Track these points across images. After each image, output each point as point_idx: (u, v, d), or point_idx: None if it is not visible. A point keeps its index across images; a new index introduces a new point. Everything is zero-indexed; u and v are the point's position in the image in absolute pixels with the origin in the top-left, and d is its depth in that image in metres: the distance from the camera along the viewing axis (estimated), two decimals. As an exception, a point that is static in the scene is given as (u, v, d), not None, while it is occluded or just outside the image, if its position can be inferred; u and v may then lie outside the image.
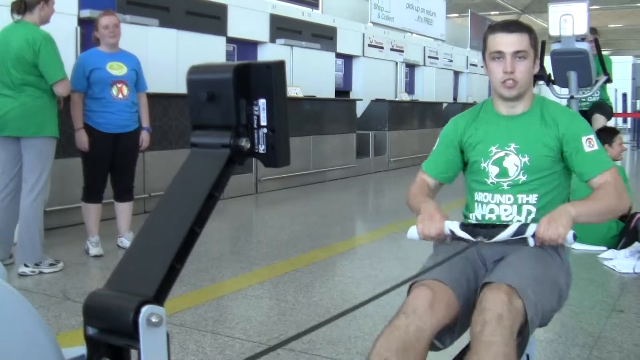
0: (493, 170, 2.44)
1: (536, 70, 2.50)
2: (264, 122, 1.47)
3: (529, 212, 2.38)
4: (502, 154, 2.44)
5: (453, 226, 2.20)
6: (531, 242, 2.12)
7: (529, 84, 2.48)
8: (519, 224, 2.16)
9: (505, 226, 2.15)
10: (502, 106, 2.52)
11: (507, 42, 2.40)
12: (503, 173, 2.42)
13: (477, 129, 2.53)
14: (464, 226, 2.21)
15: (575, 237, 2.09)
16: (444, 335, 2.17)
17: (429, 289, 2.11)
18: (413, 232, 2.26)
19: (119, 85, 5.17)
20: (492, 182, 2.44)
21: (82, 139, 5.08)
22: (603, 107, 7.28)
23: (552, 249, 2.34)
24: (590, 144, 2.39)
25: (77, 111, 5.08)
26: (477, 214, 2.46)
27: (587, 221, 2.29)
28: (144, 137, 5.45)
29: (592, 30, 6.48)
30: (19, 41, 4.56)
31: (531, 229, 2.11)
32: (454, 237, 2.21)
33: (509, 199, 2.40)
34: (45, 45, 4.57)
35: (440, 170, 2.60)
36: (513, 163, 2.42)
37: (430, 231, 2.21)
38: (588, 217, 2.26)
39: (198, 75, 1.51)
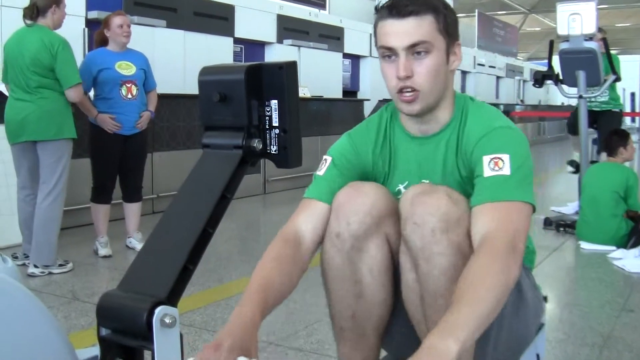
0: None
1: (455, 65, 1.79)
2: (275, 123, 1.48)
3: None
4: None
5: None
6: None
7: (441, 90, 1.78)
8: None
9: None
10: (410, 123, 1.87)
11: (397, 31, 1.70)
12: None
13: (384, 158, 1.90)
14: None
15: None
16: None
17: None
18: None
19: (128, 85, 5.17)
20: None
21: (105, 120, 5.08)
22: (614, 121, 7.19)
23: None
24: (495, 165, 1.67)
25: (87, 103, 5.07)
26: None
27: (474, 341, 1.42)
28: (145, 115, 5.32)
29: (599, 30, 6.46)
30: (36, 44, 4.56)
31: None
32: None
33: None
34: (62, 50, 4.57)
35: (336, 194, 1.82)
36: None
37: None
38: (477, 334, 1.39)
39: (210, 77, 1.52)
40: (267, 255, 1.73)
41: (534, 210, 1.67)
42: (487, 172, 1.67)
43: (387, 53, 1.74)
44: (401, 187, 1.88)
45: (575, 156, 7.23)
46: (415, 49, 1.70)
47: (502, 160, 1.66)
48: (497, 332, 1.72)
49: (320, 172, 1.87)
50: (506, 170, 1.65)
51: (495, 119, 1.80)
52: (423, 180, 1.83)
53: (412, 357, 1.27)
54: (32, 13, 4.65)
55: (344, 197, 1.75)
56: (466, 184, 1.79)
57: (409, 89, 1.72)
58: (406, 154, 1.87)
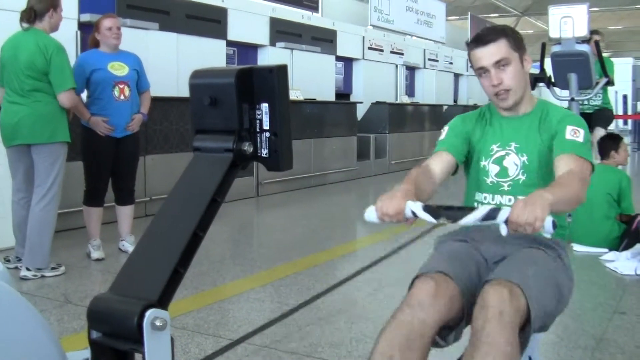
0: (493, 169, 2.44)
1: (528, 67, 2.48)
2: (266, 126, 1.48)
3: None
4: (502, 152, 2.45)
5: (415, 207, 1.97)
6: (503, 229, 1.88)
7: (524, 86, 2.46)
8: (489, 206, 1.92)
9: (472, 209, 1.91)
10: (503, 110, 2.52)
11: (484, 55, 2.39)
12: (503, 172, 2.42)
13: (481, 128, 2.53)
14: (427, 207, 1.97)
15: (555, 226, 1.86)
16: (446, 332, 2.14)
17: (432, 281, 2.09)
18: (371, 213, 2.05)
19: (121, 86, 5.17)
20: (491, 182, 2.43)
21: (98, 123, 5.07)
22: (604, 116, 7.24)
23: (553, 251, 2.29)
24: (574, 134, 2.34)
25: (80, 106, 5.05)
26: None
27: (558, 209, 2.01)
28: (136, 117, 5.32)
29: (595, 32, 6.48)
30: (30, 48, 4.55)
31: (504, 213, 1.87)
32: (415, 219, 2.00)
33: (510, 200, 2.37)
34: (56, 54, 4.56)
35: (457, 146, 2.50)
36: (513, 162, 2.42)
37: (388, 209, 2.00)
38: (563, 204, 2.03)
39: (200, 80, 1.52)
40: (412, 172, 2.31)
41: (592, 170, 2.34)
42: (568, 136, 2.33)
43: (482, 72, 2.41)
44: (494, 146, 2.47)
45: None
46: (499, 64, 2.37)
47: (579, 132, 2.33)
48: (547, 285, 2.16)
49: (442, 136, 2.55)
50: (581, 139, 2.32)
51: (570, 112, 2.56)
52: (512, 142, 2.45)
53: (520, 199, 1.89)
54: (30, 17, 4.65)
55: (419, 295, 2.09)
56: (544, 145, 2.40)
57: (502, 91, 2.40)
58: (499, 125, 2.51)
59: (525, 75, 2.47)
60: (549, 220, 1.84)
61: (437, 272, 2.13)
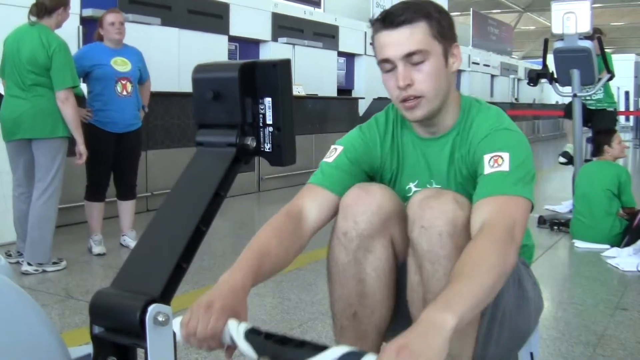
0: None
1: (456, 65, 1.80)
2: (269, 121, 1.48)
3: None
4: None
5: (236, 332, 1.35)
6: None
7: (444, 93, 1.79)
8: (343, 350, 1.22)
9: (319, 348, 1.25)
10: (417, 126, 1.89)
11: (392, 42, 1.70)
12: None
13: (393, 155, 1.93)
14: (253, 335, 1.33)
15: None
16: None
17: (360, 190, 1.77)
18: (177, 325, 1.41)
19: (124, 82, 5.16)
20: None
21: (80, 111, 4.96)
22: (607, 119, 7.20)
23: (512, 278, 1.73)
24: (495, 162, 1.69)
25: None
26: None
27: (472, 318, 1.46)
28: (141, 115, 5.43)
29: (597, 31, 6.47)
30: (34, 43, 4.54)
31: None
32: (233, 348, 1.38)
33: None
34: (59, 52, 4.55)
35: (345, 184, 1.84)
36: None
37: (196, 329, 1.38)
38: (475, 311, 1.39)
39: (204, 74, 1.52)
40: (268, 226, 1.74)
41: (532, 208, 1.68)
42: (487, 169, 1.69)
43: (387, 66, 1.74)
44: (412, 185, 1.91)
45: (569, 147, 7.23)
46: (412, 59, 1.70)
47: (502, 158, 1.68)
48: (500, 328, 1.75)
49: (330, 159, 1.90)
50: (505, 167, 1.66)
51: (498, 121, 1.82)
52: (432, 180, 1.88)
53: (408, 330, 1.25)
54: (39, 11, 4.64)
55: (352, 197, 1.78)
56: (468, 185, 1.82)
57: (412, 98, 1.73)
58: (415, 153, 1.90)
59: (448, 77, 1.79)
60: None
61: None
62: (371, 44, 1.80)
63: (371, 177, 1.95)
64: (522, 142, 1.77)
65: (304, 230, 1.78)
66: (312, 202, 1.83)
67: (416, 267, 1.72)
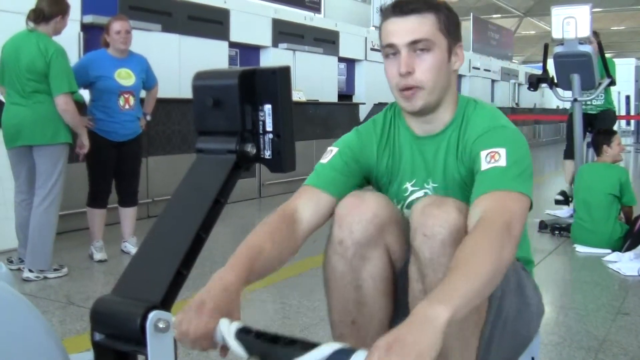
0: (409, 214, 1.75)
1: (457, 65, 1.83)
2: (269, 128, 1.48)
3: None
4: (420, 193, 1.90)
5: (227, 331, 1.36)
6: None
7: (443, 88, 1.81)
8: (333, 347, 1.23)
9: (309, 346, 1.26)
10: (414, 122, 1.90)
11: (399, 29, 1.74)
12: None
13: (389, 155, 1.94)
14: (244, 334, 1.35)
15: None
16: None
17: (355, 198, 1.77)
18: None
19: (126, 96, 5.16)
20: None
21: (81, 120, 4.99)
22: (607, 118, 7.23)
23: (511, 279, 1.75)
24: (492, 158, 1.68)
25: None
26: None
27: (467, 313, 1.35)
28: (142, 124, 5.43)
29: (594, 34, 6.48)
30: (31, 50, 4.54)
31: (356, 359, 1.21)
32: (225, 347, 1.40)
33: None
34: (56, 58, 4.54)
35: (340, 185, 1.86)
36: None
37: (189, 329, 1.37)
38: (470, 306, 1.34)
39: (204, 81, 1.52)
40: (261, 227, 1.73)
41: (531, 206, 1.66)
42: (484, 165, 1.68)
43: (390, 51, 1.77)
44: (409, 185, 1.91)
45: (566, 188, 7.27)
46: (416, 46, 1.73)
47: (499, 154, 1.67)
48: (501, 333, 1.74)
49: (324, 160, 1.90)
50: (502, 162, 1.66)
51: (495, 118, 1.83)
52: (429, 178, 1.88)
53: (400, 324, 1.22)
54: (37, 17, 4.63)
55: (347, 206, 1.78)
56: (466, 183, 1.81)
57: (411, 87, 1.75)
58: (411, 152, 1.90)
59: (449, 75, 1.82)
60: None
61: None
62: (379, 37, 1.84)
63: (367, 177, 1.96)
64: (519, 138, 1.78)
65: (298, 232, 1.79)
66: (307, 203, 1.83)
67: (418, 275, 1.71)
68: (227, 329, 1.35)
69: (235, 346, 1.32)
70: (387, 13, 1.79)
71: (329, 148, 1.94)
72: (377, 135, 1.95)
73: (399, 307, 1.85)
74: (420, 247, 1.66)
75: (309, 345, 1.24)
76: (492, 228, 1.48)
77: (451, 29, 1.79)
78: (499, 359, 1.79)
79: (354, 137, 1.96)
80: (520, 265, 1.91)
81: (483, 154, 1.70)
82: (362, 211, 1.75)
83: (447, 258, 1.60)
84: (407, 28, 1.73)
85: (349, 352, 1.21)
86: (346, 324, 1.84)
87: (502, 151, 1.68)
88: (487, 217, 1.53)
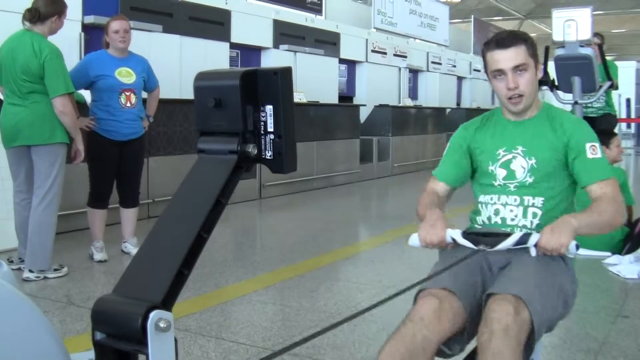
0: (500, 172, 2.47)
1: (539, 75, 2.51)
2: (270, 128, 1.48)
3: (534, 215, 2.39)
4: (509, 156, 2.47)
5: (455, 234, 2.20)
6: (533, 251, 2.13)
7: (535, 93, 2.49)
8: (521, 233, 2.17)
9: (507, 235, 2.16)
10: (510, 114, 2.54)
11: (504, 58, 2.40)
12: (510, 175, 2.45)
13: (485, 133, 2.56)
14: (466, 234, 2.21)
15: (577, 248, 2.09)
16: (451, 342, 2.16)
17: (435, 298, 2.12)
18: (415, 239, 2.26)
19: (127, 94, 5.16)
20: (499, 184, 2.46)
21: (83, 121, 5.06)
22: (608, 121, 7.25)
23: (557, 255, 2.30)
24: (593, 151, 2.40)
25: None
26: (483, 217, 2.48)
27: (587, 233, 2.27)
28: (145, 124, 5.46)
29: (598, 36, 6.48)
30: (26, 51, 4.53)
31: (533, 238, 2.12)
32: (455, 245, 2.22)
33: (515, 200, 2.42)
34: (51, 59, 4.53)
35: (450, 175, 2.59)
36: (520, 165, 2.44)
37: (432, 238, 2.22)
38: (589, 229, 2.25)
39: (205, 82, 1.52)
40: (426, 199, 2.51)
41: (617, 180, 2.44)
42: (589, 154, 2.40)
43: (498, 74, 2.42)
44: (501, 150, 2.49)
45: None
46: (517, 69, 2.39)
47: (596, 147, 2.41)
48: (557, 299, 2.24)
49: (444, 153, 2.64)
50: (599, 154, 2.41)
51: (573, 115, 2.69)
52: (518, 145, 2.47)
53: (548, 227, 2.13)
54: (32, 17, 4.63)
55: (427, 309, 2.12)
56: (553, 147, 2.44)
57: (517, 95, 2.42)
58: (503, 129, 2.53)
59: (536, 82, 2.50)
60: (572, 245, 2.08)
61: (441, 289, 2.16)
62: (484, 64, 2.51)
63: (471, 154, 2.58)
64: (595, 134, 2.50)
65: (442, 200, 2.55)
66: (438, 186, 2.59)
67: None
68: (455, 233, 2.21)
69: (465, 242, 2.19)
70: (491, 46, 2.44)
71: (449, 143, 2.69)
72: (478, 122, 2.62)
73: None
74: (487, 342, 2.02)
75: (507, 234, 2.18)
76: (610, 201, 2.33)
77: (534, 53, 2.45)
78: (548, 319, 2.20)
79: (460, 132, 2.65)
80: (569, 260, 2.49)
81: (587, 145, 2.41)
82: (437, 319, 2.11)
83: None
84: (510, 57, 2.39)
85: (529, 234, 2.15)
86: None
87: (597, 145, 2.42)
88: (608, 195, 2.34)
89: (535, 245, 2.11)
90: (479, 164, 2.54)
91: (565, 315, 2.37)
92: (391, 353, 2.01)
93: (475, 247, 2.18)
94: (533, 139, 2.47)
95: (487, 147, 2.53)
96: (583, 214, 2.26)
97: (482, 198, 2.51)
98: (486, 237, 2.20)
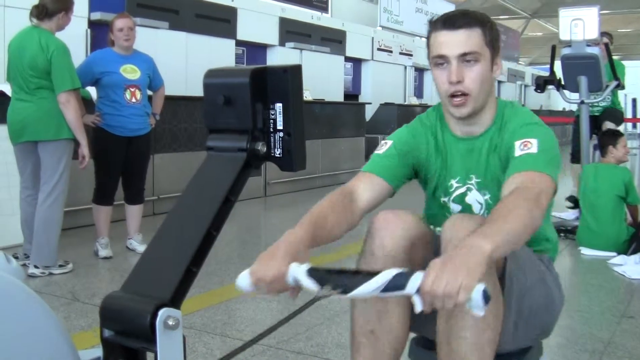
0: (455, 207, 2.06)
1: (497, 74, 2.00)
2: (280, 126, 1.48)
3: None
4: (463, 189, 2.06)
5: (298, 272, 1.52)
6: (418, 304, 1.41)
7: (486, 94, 1.97)
8: (394, 272, 1.42)
9: (373, 274, 1.44)
10: (458, 126, 2.05)
11: (450, 41, 1.89)
12: (466, 209, 2.04)
13: (436, 155, 2.09)
14: (314, 272, 1.52)
15: (487, 299, 1.36)
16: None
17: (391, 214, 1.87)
18: (244, 278, 1.60)
19: (132, 90, 5.16)
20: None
21: (88, 117, 5.07)
22: (614, 113, 7.26)
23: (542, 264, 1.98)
24: (524, 146, 1.87)
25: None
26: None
27: (505, 253, 1.64)
28: (152, 122, 5.48)
29: (604, 34, 6.46)
30: (34, 47, 4.54)
31: (414, 280, 1.40)
32: (297, 286, 1.56)
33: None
34: (57, 55, 4.54)
35: (394, 172, 2.05)
36: (476, 200, 2.04)
37: (264, 273, 1.56)
38: (508, 245, 1.58)
39: (214, 79, 1.52)
40: (324, 201, 1.91)
41: (555, 191, 1.84)
42: (518, 152, 1.86)
43: (440, 61, 1.92)
44: (454, 181, 2.06)
45: (574, 192, 7.24)
46: (465, 58, 1.89)
47: (531, 143, 1.86)
48: (526, 322, 1.89)
49: (380, 151, 2.09)
50: (533, 150, 1.84)
51: (530, 117, 2.02)
52: (472, 175, 2.03)
53: (452, 251, 1.48)
54: (40, 14, 4.63)
55: (382, 220, 1.89)
56: (502, 175, 1.94)
57: (459, 93, 1.91)
58: (455, 153, 2.06)
59: (491, 82, 1.99)
60: (477, 291, 1.36)
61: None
62: (427, 48, 2.00)
63: (416, 171, 2.12)
64: (550, 133, 1.96)
65: (356, 208, 1.95)
66: (365, 186, 2.00)
67: None
68: (299, 270, 1.51)
69: (307, 282, 1.49)
70: (437, 26, 1.93)
71: (383, 141, 2.12)
72: (426, 133, 2.11)
73: (418, 320, 1.91)
74: None
75: (372, 274, 1.42)
76: (525, 194, 1.70)
77: (494, 43, 1.95)
78: (522, 343, 1.94)
79: (406, 133, 2.14)
80: (546, 258, 2.09)
81: (517, 143, 1.88)
82: (395, 226, 1.87)
83: None
84: (458, 41, 1.88)
85: (408, 274, 1.41)
86: (365, 333, 1.90)
87: (534, 141, 1.87)
88: (521, 187, 1.73)
89: (419, 291, 1.40)
90: (430, 191, 2.14)
91: (551, 324, 2.10)
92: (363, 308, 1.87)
93: (320, 291, 1.49)
94: (485, 165, 2.02)
95: (439, 175, 2.09)
96: (494, 226, 1.57)
97: (436, 231, 2.05)
98: (341, 275, 1.48)
